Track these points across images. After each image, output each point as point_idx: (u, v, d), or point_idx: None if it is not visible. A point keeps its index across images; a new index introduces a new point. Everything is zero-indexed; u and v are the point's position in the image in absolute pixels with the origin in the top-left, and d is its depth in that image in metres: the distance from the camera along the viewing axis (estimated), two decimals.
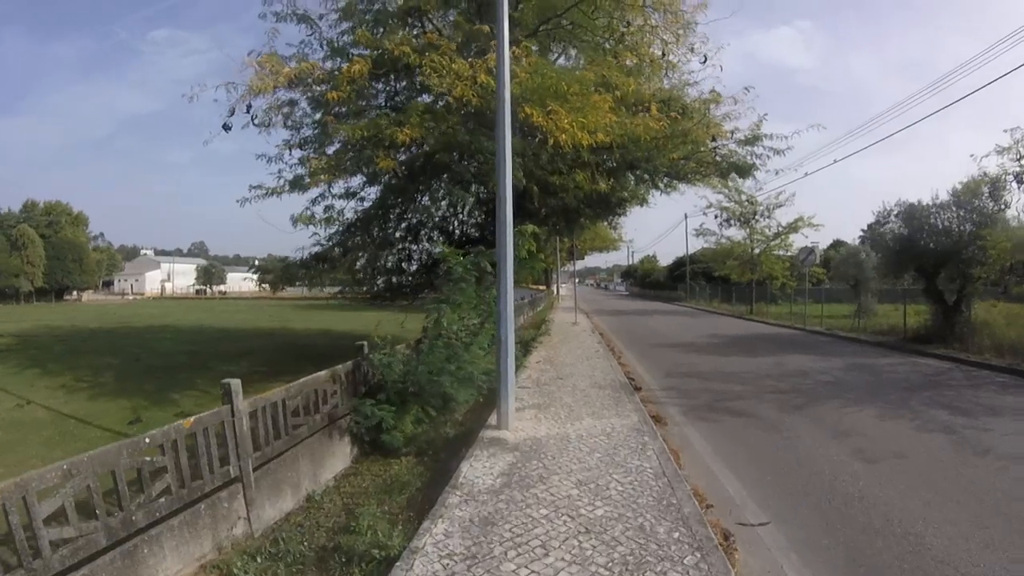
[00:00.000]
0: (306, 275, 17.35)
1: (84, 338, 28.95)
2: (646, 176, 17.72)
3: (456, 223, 18.93)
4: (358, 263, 18.01)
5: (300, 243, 17.88)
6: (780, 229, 41.80)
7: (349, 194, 15.88)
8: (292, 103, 15.17)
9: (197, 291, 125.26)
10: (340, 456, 8.54)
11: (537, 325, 28.06)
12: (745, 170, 17.43)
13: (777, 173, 19.31)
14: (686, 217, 68.04)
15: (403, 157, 14.45)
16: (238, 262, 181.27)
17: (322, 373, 8.37)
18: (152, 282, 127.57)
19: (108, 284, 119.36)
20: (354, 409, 8.85)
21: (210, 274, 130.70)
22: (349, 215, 16.72)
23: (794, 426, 9.77)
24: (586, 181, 14.96)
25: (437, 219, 17.65)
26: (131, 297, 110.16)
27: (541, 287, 63.21)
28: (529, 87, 11.74)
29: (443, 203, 15.98)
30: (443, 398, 9.32)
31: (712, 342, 22.98)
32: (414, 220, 17.97)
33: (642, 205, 20.39)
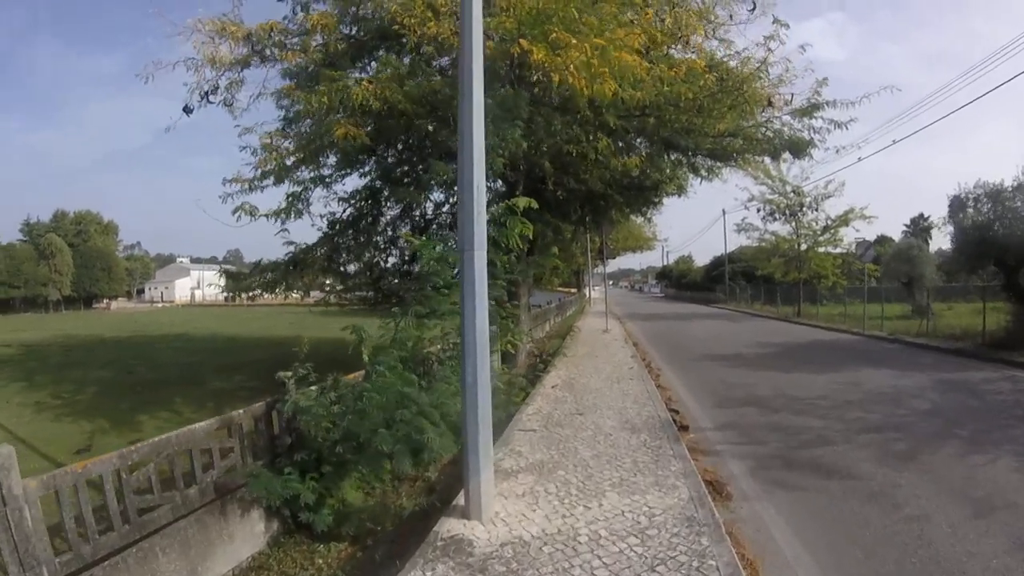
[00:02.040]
0: (271, 282, 14.53)
1: (91, 348, 28.28)
2: (686, 155, 14.79)
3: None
4: (350, 265, 15.35)
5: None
6: (829, 222, 38.17)
7: (319, 179, 12.92)
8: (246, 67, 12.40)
9: (226, 298, 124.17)
10: (245, 539, 6.36)
11: (563, 334, 25.02)
12: (802, 147, 14.24)
13: (838, 151, 15.80)
14: (724, 213, 64.88)
15: (370, 128, 11.51)
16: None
17: (202, 424, 6.20)
18: (182, 289, 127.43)
19: (140, 292, 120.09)
20: (250, 477, 6.05)
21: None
22: (337, 210, 14.10)
23: (913, 493, 6.72)
24: (611, 152, 11.82)
25: (430, 209, 14.76)
26: (160, 305, 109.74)
27: (571, 290, 60.26)
28: (526, 15, 8.68)
29: (433, 186, 13.03)
30: (409, 454, 6.35)
31: (764, 352, 19.69)
32: (414, 212, 15.26)
33: (679, 194, 17.32)
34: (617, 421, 9.38)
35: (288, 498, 6.15)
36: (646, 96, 10.29)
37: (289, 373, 6.98)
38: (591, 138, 11.55)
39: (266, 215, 11.87)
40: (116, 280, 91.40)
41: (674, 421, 9.49)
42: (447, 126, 10.95)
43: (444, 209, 15.41)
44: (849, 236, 37.61)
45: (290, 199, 12.28)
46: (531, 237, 14.34)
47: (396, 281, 15.20)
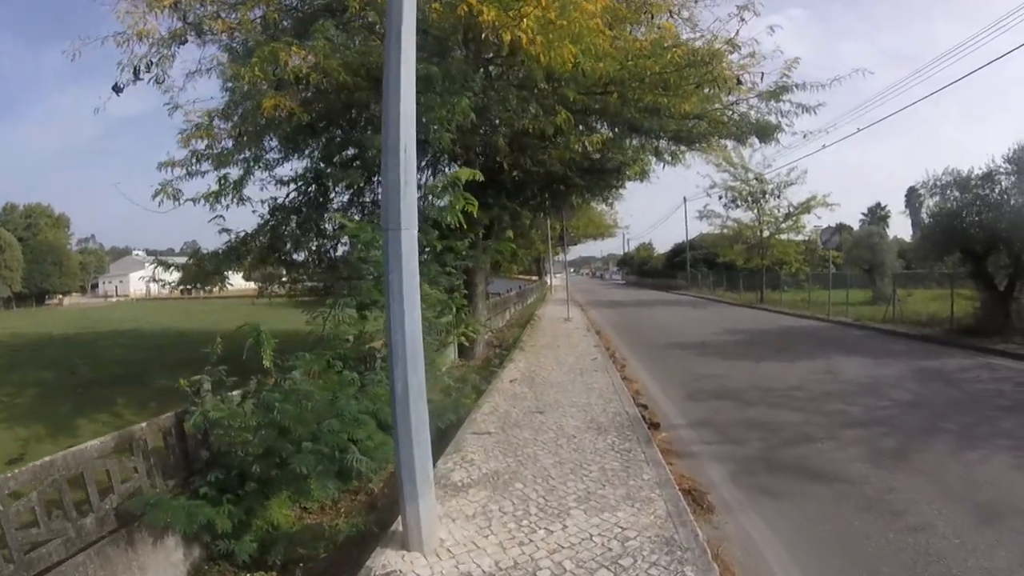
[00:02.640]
0: (208, 273, 13.43)
1: (36, 347, 26.84)
2: (650, 138, 13.96)
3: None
4: (297, 254, 14.32)
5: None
6: (791, 209, 37.86)
7: (255, 159, 11.86)
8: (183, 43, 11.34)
9: (183, 291, 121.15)
10: (160, 570, 5.49)
11: (523, 323, 24.16)
12: (769, 132, 13.80)
13: (805, 136, 15.32)
14: (685, 201, 64.53)
15: (314, 107, 10.53)
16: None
17: (95, 443, 5.20)
18: (137, 283, 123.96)
19: (95, 287, 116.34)
20: (147, 506, 5.14)
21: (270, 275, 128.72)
22: (278, 195, 13.12)
23: (911, 498, 6.00)
24: (570, 127, 10.93)
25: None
26: (114, 299, 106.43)
27: (532, 278, 59.46)
28: None
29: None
30: (334, 475, 5.45)
31: (732, 340, 19.02)
32: (364, 198, 14.31)
33: (642, 179, 16.51)
34: (582, 420, 8.51)
35: (203, 524, 5.20)
36: (609, 68, 9.48)
37: (199, 377, 5.99)
38: (549, 113, 10.62)
39: (193, 199, 10.82)
40: (68, 275, 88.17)
41: (644, 418, 8.68)
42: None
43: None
44: (811, 223, 37.46)
45: (221, 182, 11.22)
46: (487, 223, 13.58)
47: (345, 271, 14.21)
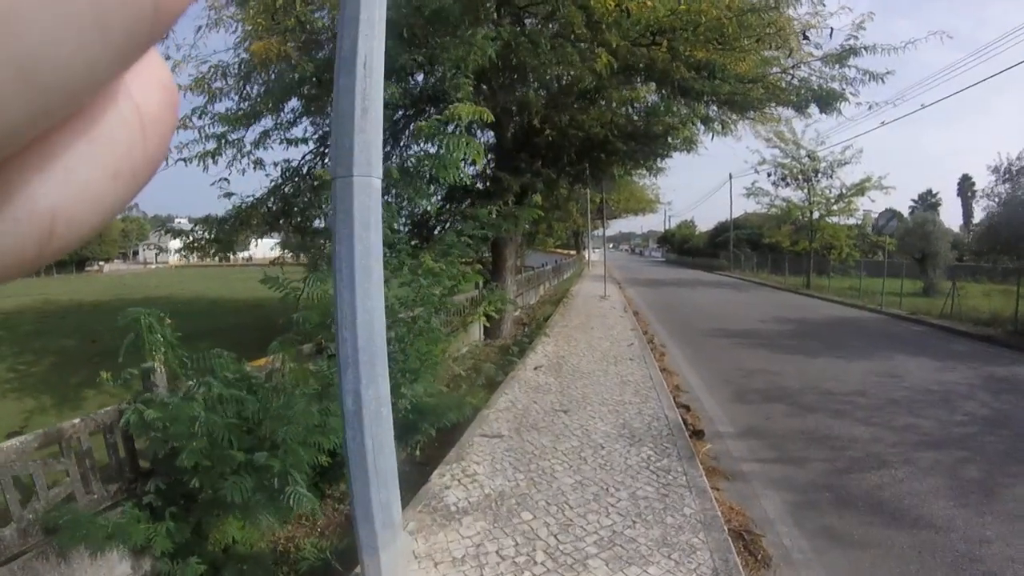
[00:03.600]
0: (218, 241, 12.53)
1: (64, 315, 26.67)
2: (700, 102, 12.54)
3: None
4: (318, 220, 13.38)
5: None
6: (844, 190, 35.48)
7: (249, 114, 10.75)
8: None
9: (220, 258, 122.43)
10: None
11: (557, 300, 22.82)
12: (831, 100, 12.34)
13: (871, 108, 13.83)
14: (731, 178, 61.96)
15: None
16: None
17: (15, 443, 4.36)
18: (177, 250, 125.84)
19: (136, 254, 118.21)
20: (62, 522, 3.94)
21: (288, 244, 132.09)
22: (293, 156, 12.24)
23: (1009, 555, 4.69)
24: (610, 72, 9.48)
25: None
26: (153, 266, 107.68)
27: (570, 252, 57.96)
28: None
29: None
30: (272, 506, 4.28)
31: (781, 330, 17.46)
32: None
33: (688, 150, 14.87)
34: (612, 424, 7.25)
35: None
36: (659, 11, 8.10)
37: (148, 365, 4.86)
38: (587, 56, 9.21)
39: (185, 159, 9.76)
40: (109, 242, 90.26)
41: (686, 424, 7.40)
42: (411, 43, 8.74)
43: None
44: (863, 207, 35.61)
45: (221, 140, 10.14)
46: (518, 190, 12.28)
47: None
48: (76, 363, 15.02)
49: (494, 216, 8.05)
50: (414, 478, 5.90)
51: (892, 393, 9.75)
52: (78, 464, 4.62)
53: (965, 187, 73.04)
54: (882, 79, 12.22)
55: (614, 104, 11.38)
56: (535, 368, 10.29)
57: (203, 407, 4.31)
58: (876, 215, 31.47)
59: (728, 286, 37.07)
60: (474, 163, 5.56)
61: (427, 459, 6.71)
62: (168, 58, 10.38)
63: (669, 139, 13.44)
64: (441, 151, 5.26)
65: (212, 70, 10.48)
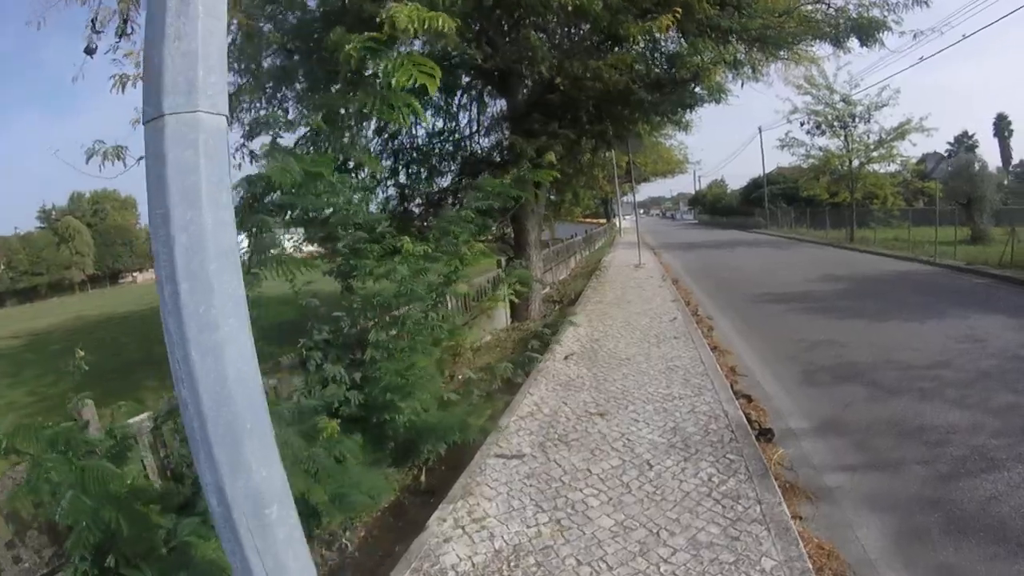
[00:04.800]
0: None
1: (92, 329, 26.64)
2: (728, 40, 11.07)
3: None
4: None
5: None
6: (883, 135, 32.98)
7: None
8: None
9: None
10: None
11: (589, 273, 21.36)
12: (872, 30, 11.14)
13: (916, 37, 12.03)
14: (760, 131, 59.61)
15: None
16: None
17: None
18: None
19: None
20: None
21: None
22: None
23: None
24: None
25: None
26: None
27: (600, 221, 56.30)
28: None
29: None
30: None
31: (835, 289, 15.80)
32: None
33: (717, 101, 13.24)
34: (660, 428, 5.86)
35: None
36: None
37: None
38: None
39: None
40: (139, 254, 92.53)
41: (750, 422, 6.00)
42: None
43: None
44: (905, 151, 33.19)
45: None
46: (533, 154, 10.88)
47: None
48: (96, 380, 14.14)
49: (507, 184, 6.63)
50: (412, 516, 4.66)
51: (979, 363, 8.18)
52: None
53: (1002, 127, 69.76)
54: (926, 3, 11.14)
55: (632, 41, 9.93)
56: (565, 357, 8.92)
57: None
58: (923, 159, 29.65)
59: (767, 244, 35.30)
60: (425, 92, 4.00)
61: (433, 486, 5.41)
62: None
63: (696, 87, 11.94)
64: (380, 82, 3.79)
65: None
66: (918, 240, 24.53)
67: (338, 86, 9.31)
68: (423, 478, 5.56)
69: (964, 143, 70.50)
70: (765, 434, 5.94)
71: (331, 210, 5.55)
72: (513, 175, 6.85)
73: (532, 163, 11.43)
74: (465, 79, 14.80)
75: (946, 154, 57.46)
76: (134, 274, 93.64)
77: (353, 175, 14.49)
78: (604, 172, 29.29)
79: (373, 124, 14.26)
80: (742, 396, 6.99)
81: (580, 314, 12.56)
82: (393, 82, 3.27)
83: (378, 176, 14.80)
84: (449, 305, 10.06)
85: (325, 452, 4.22)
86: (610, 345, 9.61)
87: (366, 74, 3.29)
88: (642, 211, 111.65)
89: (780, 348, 9.70)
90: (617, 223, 59.17)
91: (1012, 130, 67.79)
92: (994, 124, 70.63)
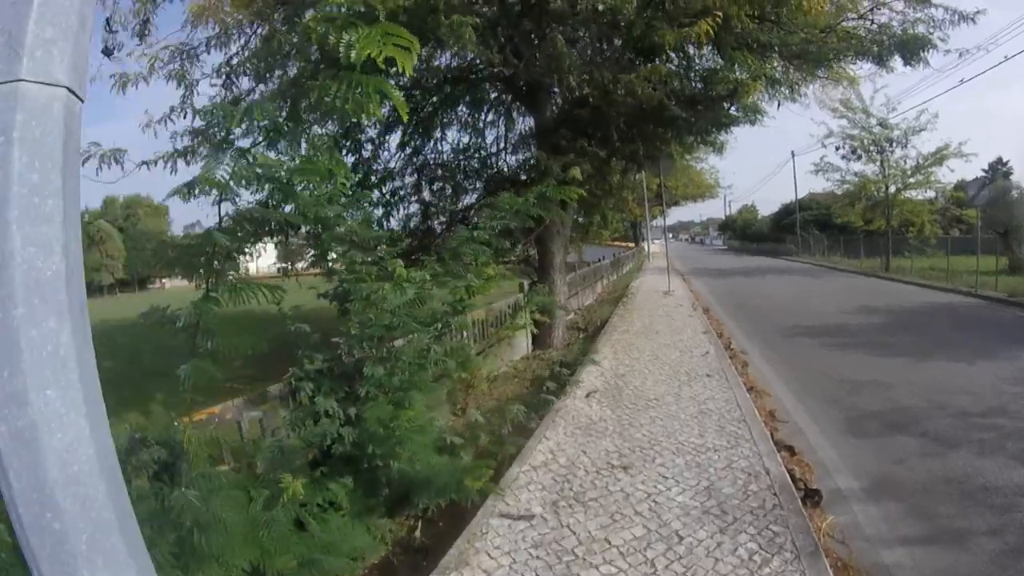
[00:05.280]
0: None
1: (112, 334, 25.92)
2: (767, 56, 10.81)
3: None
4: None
5: None
6: (920, 160, 32.12)
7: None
8: None
9: (279, 270, 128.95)
10: None
11: (616, 299, 20.58)
12: (916, 47, 10.75)
13: (961, 55, 11.96)
14: (793, 156, 58.79)
15: None
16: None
17: None
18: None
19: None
20: None
21: (290, 251, 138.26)
22: None
23: None
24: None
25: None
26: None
27: (628, 244, 55.54)
28: None
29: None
30: None
31: (872, 323, 14.91)
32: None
33: (752, 122, 12.56)
34: (692, 489, 5.10)
35: None
36: None
37: None
38: None
39: (149, 163, 8.11)
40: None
41: (794, 481, 5.25)
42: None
43: None
44: (943, 177, 32.56)
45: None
46: (559, 171, 10.24)
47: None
48: (107, 389, 13.85)
49: (528, 202, 5.95)
50: None
51: None
52: None
53: None
54: (972, 19, 10.71)
55: (666, 54, 9.37)
56: (587, 395, 8.18)
57: None
58: (962, 185, 28.78)
59: (799, 272, 34.41)
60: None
61: (428, 544, 4.72)
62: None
63: (732, 105, 11.30)
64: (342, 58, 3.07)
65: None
66: (955, 270, 23.69)
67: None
68: (418, 532, 4.87)
69: (999, 170, 68.72)
70: (812, 496, 5.18)
71: (341, 228, 4.97)
72: (536, 191, 6.17)
73: (557, 180, 10.84)
74: (493, 94, 14.32)
75: (980, 180, 55.97)
76: (163, 280, 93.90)
77: (376, 190, 14.12)
78: (634, 195, 28.61)
79: (396, 138, 13.95)
80: (783, 447, 6.23)
81: (605, 346, 11.81)
82: (354, 56, 2.60)
83: (400, 193, 14.40)
84: (464, 334, 9.41)
85: (285, 514, 3.56)
86: (636, 382, 8.86)
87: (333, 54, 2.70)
88: (671, 235, 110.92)
89: (820, 389, 8.91)
90: (646, 247, 58.35)
91: None
92: None
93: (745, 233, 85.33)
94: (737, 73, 10.27)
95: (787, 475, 5.29)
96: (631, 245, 56.27)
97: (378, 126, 13.48)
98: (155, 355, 17.66)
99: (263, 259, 6.65)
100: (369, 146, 13.81)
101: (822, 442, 6.78)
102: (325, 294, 5.44)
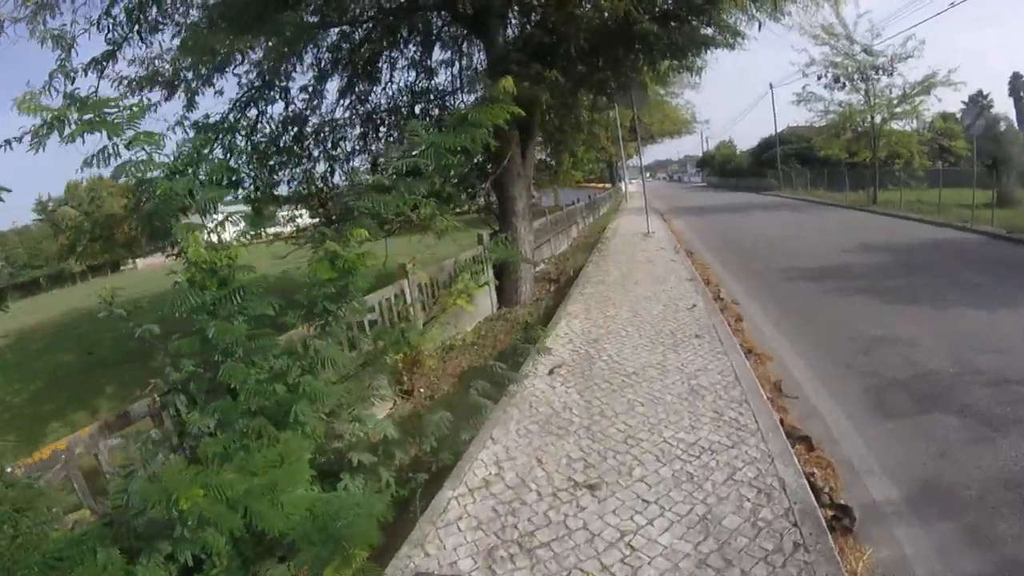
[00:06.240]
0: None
1: (77, 325, 25.72)
2: None
3: None
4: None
5: None
6: (907, 89, 30.73)
7: None
8: None
9: (248, 238, 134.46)
10: None
11: (591, 244, 19.05)
12: None
13: None
14: (772, 88, 57.04)
15: None
16: None
17: None
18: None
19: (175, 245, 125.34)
20: None
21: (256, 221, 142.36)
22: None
23: None
24: None
25: None
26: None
27: (604, 185, 53.92)
28: None
29: None
30: None
31: (875, 262, 13.50)
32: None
33: (731, 46, 10.82)
34: (682, 524, 3.69)
35: None
36: None
37: None
38: None
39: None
40: (135, 242, 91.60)
41: (817, 495, 3.90)
42: None
43: None
44: (931, 107, 31.63)
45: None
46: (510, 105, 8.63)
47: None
48: (63, 383, 14.44)
49: (451, 132, 4.36)
50: None
51: None
52: None
53: (1017, 86, 67.31)
54: None
55: None
56: (551, 371, 6.73)
57: None
58: (958, 114, 27.68)
59: (785, 207, 33.06)
60: None
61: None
62: None
63: (712, 15, 9.72)
64: None
65: None
66: (945, 203, 23.07)
67: None
68: None
69: (979, 102, 67.06)
70: (841, 519, 3.82)
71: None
72: (454, 116, 4.64)
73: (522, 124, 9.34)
74: (440, 25, 12.84)
75: (961, 113, 54.98)
76: (134, 261, 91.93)
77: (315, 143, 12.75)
78: (607, 132, 27.06)
79: (334, 84, 12.59)
80: (798, 439, 4.84)
81: (576, 302, 10.35)
82: None
83: (345, 145, 13.04)
84: (408, 299, 8.00)
85: None
86: (612, 349, 7.42)
87: None
88: (648, 175, 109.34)
89: (831, 349, 7.53)
90: (623, 187, 56.76)
91: None
92: (1009, 83, 68.03)
93: (724, 169, 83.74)
94: None
95: (808, 489, 3.91)
96: (607, 186, 54.71)
97: (312, 71, 12.08)
98: (116, 344, 17.04)
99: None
100: (303, 96, 12.30)
101: (844, 425, 5.39)
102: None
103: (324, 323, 3.90)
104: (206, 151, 11.02)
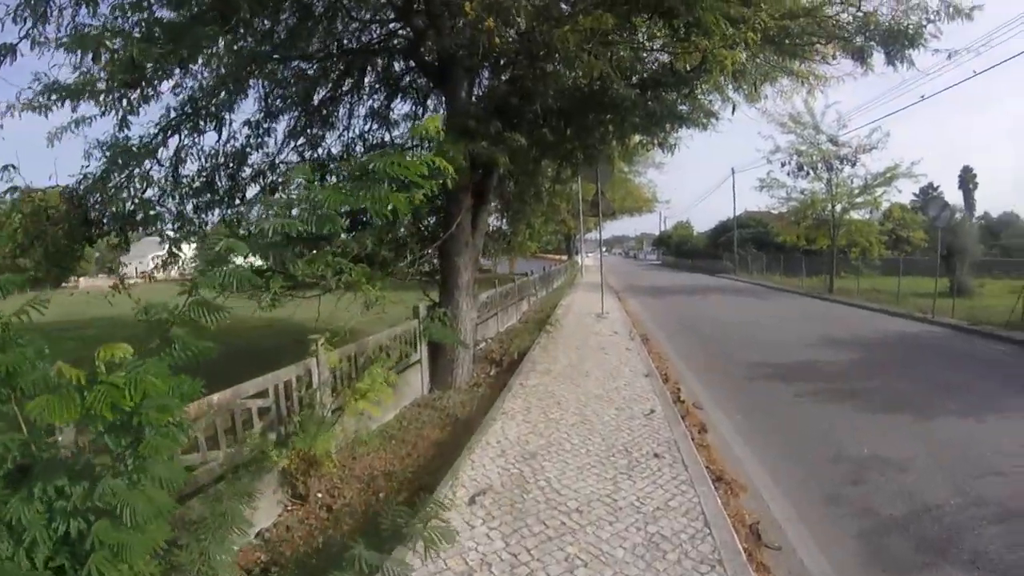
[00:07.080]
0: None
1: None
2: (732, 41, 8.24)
3: None
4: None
5: None
6: (869, 180, 31.26)
7: None
8: None
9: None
10: None
11: (541, 321, 17.77)
12: (903, 41, 9.26)
13: (950, 57, 10.46)
14: (733, 172, 58.60)
15: None
16: None
17: None
18: (152, 263, 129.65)
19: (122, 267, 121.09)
20: None
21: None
22: None
23: None
24: None
25: None
26: (132, 281, 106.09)
27: (560, 257, 53.49)
28: None
29: None
30: None
31: (844, 360, 12.57)
32: None
33: (704, 126, 10.57)
34: None
35: None
36: None
37: None
38: None
39: None
40: (86, 258, 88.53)
41: None
42: None
43: None
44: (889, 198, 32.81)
45: None
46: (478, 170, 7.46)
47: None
48: None
49: (344, 188, 3.13)
50: None
51: None
52: None
53: (967, 179, 70.98)
54: (968, 15, 9.33)
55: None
56: (472, 499, 5.31)
57: None
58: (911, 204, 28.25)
59: (742, 292, 32.96)
60: None
61: None
62: None
63: (700, 82, 9.01)
64: None
65: None
66: (902, 292, 24.03)
67: None
68: None
69: (928, 194, 69.75)
70: None
71: None
72: (355, 165, 3.42)
73: (477, 188, 8.34)
74: (404, 76, 12.06)
75: (911, 203, 56.80)
76: (76, 280, 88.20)
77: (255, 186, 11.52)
78: (568, 205, 26.37)
79: (283, 123, 11.61)
80: None
81: (516, 397, 9.00)
82: None
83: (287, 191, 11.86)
84: (315, 382, 6.68)
85: None
86: (552, 470, 6.01)
87: None
88: (605, 249, 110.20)
89: (813, 475, 6.37)
90: (579, 260, 56.41)
91: (977, 183, 70.22)
92: (959, 177, 71.62)
93: (680, 249, 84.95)
94: (709, 39, 7.86)
95: None
96: (563, 258, 54.42)
97: (259, 103, 11.00)
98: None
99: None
100: (245, 130, 11.14)
101: None
102: None
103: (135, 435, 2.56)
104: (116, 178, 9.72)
